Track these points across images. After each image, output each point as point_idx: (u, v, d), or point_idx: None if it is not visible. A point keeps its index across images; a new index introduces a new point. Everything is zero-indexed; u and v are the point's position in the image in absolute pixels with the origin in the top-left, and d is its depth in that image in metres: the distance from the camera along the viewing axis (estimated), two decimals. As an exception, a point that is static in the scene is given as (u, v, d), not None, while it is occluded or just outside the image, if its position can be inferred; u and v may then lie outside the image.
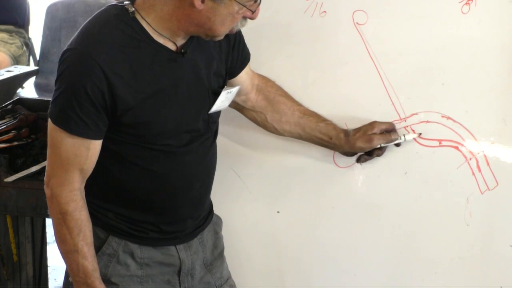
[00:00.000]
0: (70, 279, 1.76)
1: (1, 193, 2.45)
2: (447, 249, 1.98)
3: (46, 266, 2.94)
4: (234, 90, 1.84)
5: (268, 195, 2.12)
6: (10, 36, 4.26)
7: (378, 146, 1.92)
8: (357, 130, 1.93)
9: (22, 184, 2.43)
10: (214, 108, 1.79)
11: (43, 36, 4.32)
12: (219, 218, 2.00)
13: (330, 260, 2.09)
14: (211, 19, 1.62)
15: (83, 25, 1.68)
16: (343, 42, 1.99)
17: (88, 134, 1.64)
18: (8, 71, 3.51)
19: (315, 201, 2.08)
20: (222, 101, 1.81)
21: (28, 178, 2.42)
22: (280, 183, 2.11)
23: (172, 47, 1.69)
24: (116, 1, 1.71)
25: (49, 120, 1.67)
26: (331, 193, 2.06)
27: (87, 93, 1.60)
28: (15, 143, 2.53)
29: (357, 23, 1.96)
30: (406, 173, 1.96)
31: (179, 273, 1.85)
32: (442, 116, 1.92)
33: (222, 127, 1.91)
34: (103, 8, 1.70)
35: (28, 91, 4.12)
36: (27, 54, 4.37)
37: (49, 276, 3.03)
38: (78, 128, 1.63)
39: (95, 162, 1.70)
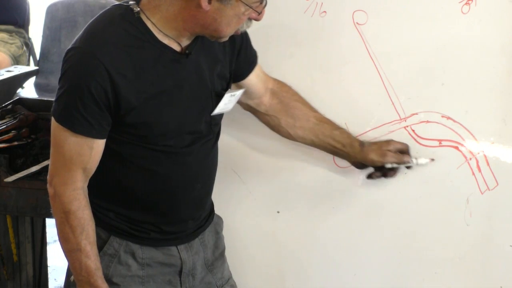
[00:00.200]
0: (71, 278, 1.77)
1: (1, 193, 2.45)
2: (447, 249, 1.98)
3: (46, 266, 2.94)
4: (238, 93, 1.84)
5: (268, 195, 2.13)
6: (10, 36, 4.26)
7: (389, 166, 1.90)
8: (373, 143, 1.92)
9: (22, 184, 2.43)
10: (217, 110, 1.79)
11: (43, 36, 4.32)
12: (220, 218, 2.00)
13: (330, 260, 2.09)
14: (217, 20, 1.62)
15: (87, 24, 1.67)
16: (343, 42, 1.99)
17: (91, 133, 1.64)
18: (8, 71, 3.51)
19: (315, 201, 2.08)
20: (225, 104, 1.80)
21: (28, 178, 2.42)
22: (280, 183, 2.11)
23: (176, 47, 1.68)
24: (121, 1, 1.71)
25: (52, 119, 1.66)
26: (331, 193, 2.06)
27: (91, 92, 1.59)
28: (15, 143, 2.53)
29: (357, 23, 1.96)
30: (406, 173, 1.96)
31: (180, 273, 1.85)
32: (442, 116, 1.92)
33: (222, 128, 1.90)
34: (108, 7, 1.69)
35: (28, 91, 4.12)
36: (27, 54, 4.37)
37: (49, 276, 3.03)
38: (82, 127, 1.63)
39: (98, 162, 1.70)
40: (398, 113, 1.96)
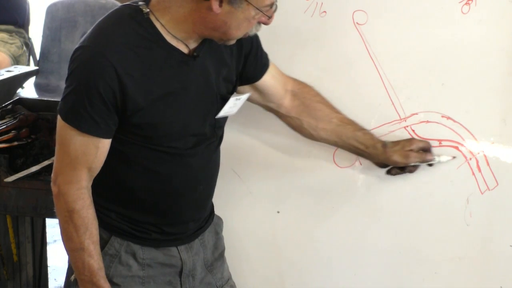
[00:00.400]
0: (72, 278, 1.77)
1: (1, 193, 2.45)
2: (447, 249, 1.98)
3: (46, 266, 2.94)
4: (243, 97, 1.83)
5: (268, 195, 2.12)
6: (10, 36, 4.26)
7: (412, 164, 1.91)
8: (396, 143, 1.91)
9: (22, 184, 2.43)
10: (221, 114, 1.79)
11: (43, 36, 4.32)
12: (220, 219, 2.00)
13: (330, 260, 2.09)
14: (227, 23, 1.61)
15: (96, 23, 1.67)
16: (343, 42, 1.99)
17: (98, 132, 1.64)
18: (8, 71, 3.50)
19: (315, 201, 2.08)
20: (230, 107, 1.80)
21: (28, 178, 2.42)
22: (280, 183, 2.11)
23: (184, 49, 1.68)
24: (129, 1, 1.70)
25: (59, 117, 1.66)
26: (331, 193, 2.06)
27: (99, 91, 1.59)
28: (15, 143, 2.53)
29: (357, 23, 1.96)
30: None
31: (180, 274, 1.85)
32: (442, 116, 1.92)
33: (222, 128, 1.91)
34: (117, 7, 1.69)
35: (28, 91, 4.12)
36: (27, 54, 4.37)
37: (49, 276, 3.03)
38: (88, 126, 1.62)
39: (103, 161, 1.69)
40: (398, 113, 1.96)
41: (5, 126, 2.57)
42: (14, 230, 2.72)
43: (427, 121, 1.94)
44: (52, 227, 3.26)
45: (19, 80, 3.60)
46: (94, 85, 1.59)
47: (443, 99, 1.92)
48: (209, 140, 1.79)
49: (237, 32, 1.65)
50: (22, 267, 2.80)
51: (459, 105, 1.91)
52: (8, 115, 2.67)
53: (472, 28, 1.88)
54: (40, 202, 2.42)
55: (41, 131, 2.62)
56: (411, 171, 1.93)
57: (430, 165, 1.92)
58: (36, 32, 4.62)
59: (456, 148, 1.92)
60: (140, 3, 1.66)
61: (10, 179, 2.41)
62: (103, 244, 1.78)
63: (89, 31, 1.66)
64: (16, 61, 4.20)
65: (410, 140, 1.91)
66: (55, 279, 3.47)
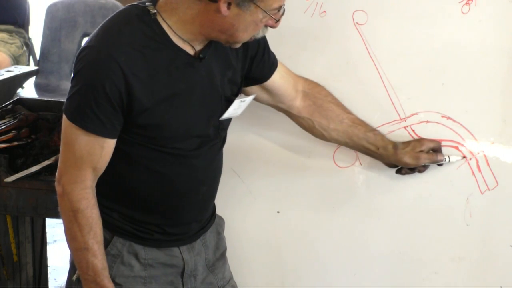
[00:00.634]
0: (74, 277, 1.77)
1: (1, 193, 2.45)
2: (447, 249, 1.98)
3: (46, 266, 2.94)
4: (248, 99, 1.83)
5: (268, 195, 2.13)
6: (10, 36, 4.25)
7: (423, 164, 1.91)
8: (406, 144, 1.91)
9: (22, 184, 2.42)
10: (226, 115, 1.78)
11: (43, 36, 4.32)
12: (221, 219, 2.00)
13: (330, 260, 2.09)
14: (235, 26, 1.61)
15: (102, 23, 1.67)
16: (343, 42, 1.99)
17: (103, 132, 1.64)
18: (8, 71, 3.50)
19: (315, 201, 2.08)
20: (235, 109, 1.80)
21: (28, 178, 2.42)
22: (280, 183, 2.11)
23: (190, 51, 1.68)
24: (136, 1, 1.70)
25: (64, 117, 1.66)
26: (331, 193, 2.06)
27: (105, 91, 1.59)
28: (15, 143, 2.53)
29: (357, 23, 1.96)
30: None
31: (182, 274, 1.85)
32: (442, 116, 1.93)
33: (222, 127, 1.91)
34: (124, 7, 1.69)
35: (28, 91, 4.12)
36: (27, 54, 4.36)
37: (49, 276, 3.03)
38: (94, 126, 1.62)
39: (108, 161, 1.69)
40: (398, 113, 1.96)
41: (5, 126, 2.57)
42: (14, 230, 2.72)
43: (427, 121, 1.94)
44: (52, 227, 3.26)
45: (19, 80, 3.60)
46: (101, 85, 1.59)
47: (443, 99, 1.92)
48: (213, 141, 1.79)
49: (244, 35, 1.65)
50: (22, 267, 2.79)
51: (459, 105, 1.91)
52: (8, 115, 2.67)
53: (472, 28, 1.88)
54: (40, 202, 2.42)
55: (41, 131, 2.62)
56: (420, 171, 1.92)
57: (440, 164, 1.92)
58: (36, 32, 4.62)
59: (456, 148, 1.92)
60: (147, 3, 1.66)
61: (10, 179, 2.40)
62: (105, 244, 1.77)
63: (95, 31, 1.65)
64: (16, 61, 4.20)
65: (420, 141, 1.91)
66: (55, 279, 3.48)
